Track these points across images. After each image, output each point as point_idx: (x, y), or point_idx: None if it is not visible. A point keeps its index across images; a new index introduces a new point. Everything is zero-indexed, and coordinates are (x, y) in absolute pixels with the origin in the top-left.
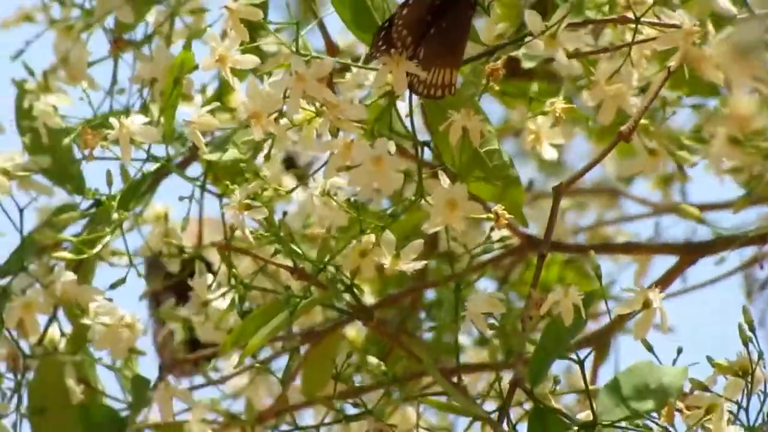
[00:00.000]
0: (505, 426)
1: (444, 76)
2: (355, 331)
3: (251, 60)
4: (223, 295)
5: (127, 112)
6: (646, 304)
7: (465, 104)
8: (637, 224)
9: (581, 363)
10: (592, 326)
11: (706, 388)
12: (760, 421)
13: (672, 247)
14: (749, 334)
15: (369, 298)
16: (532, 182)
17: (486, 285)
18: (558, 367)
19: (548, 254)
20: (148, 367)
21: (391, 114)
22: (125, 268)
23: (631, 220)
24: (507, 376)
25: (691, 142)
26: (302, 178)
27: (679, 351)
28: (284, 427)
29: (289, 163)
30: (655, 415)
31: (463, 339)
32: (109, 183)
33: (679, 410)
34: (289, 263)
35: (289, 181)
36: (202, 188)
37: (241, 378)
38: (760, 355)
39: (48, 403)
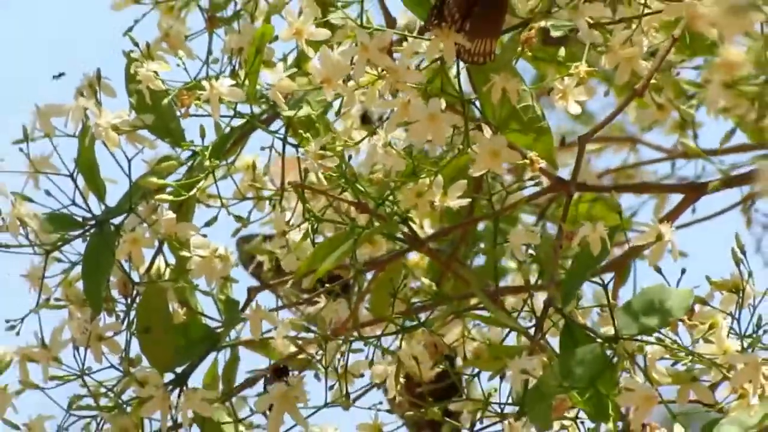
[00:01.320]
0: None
1: (486, 45)
2: (419, 257)
3: (323, 33)
4: (299, 227)
5: (217, 77)
6: (659, 237)
7: (504, 68)
8: (656, 166)
9: (605, 286)
10: (616, 252)
11: (705, 303)
12: (750, 330)
13: (678, 187)
14: (740, 256)
15: (429, 230)
16: (564, 137)
17: (529, 220)
18: (586, 288)
19: (576, 193)
20: (239, 291)
21: (442, 77)
22: (218, 209)
23: (649, 164)
24: (543, 297)
25: (690, 87)
26: (374, 132)
27: (683, 272)
28: (353, 340)
29: (365, 119)
30: (663, 330)
31: (508, 264)
32: (202, 136)
33: (685, 323)
34: (354, 201)
35: (358, 134)
36: (284, 141)
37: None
38: (750, 274)
39: (153, 323)
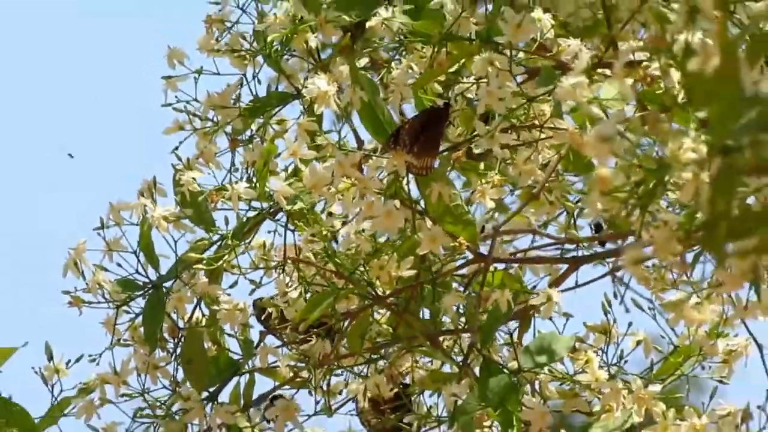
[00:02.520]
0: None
1: (428, 162)
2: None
3: (311, 153)
4: (296, 288)
5: (237, 182)
6: (549, 298)
7: (440, 178)
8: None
9: (511, 333)
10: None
11: (582, 341)
12: (615, 361)
13: (564, 260)
14: (608, 308)
15: (388, 291)
16: (484, 226)
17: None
18: (498, 334)
19: (492, 266)
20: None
21: (396, 185)
22: (238, 275)
23: (544, 246)
24: (468, 340)
25: (576, 193)
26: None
27: (568, 318)
28: (335, 368)
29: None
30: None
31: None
32: (226, 223)
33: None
34: (335, 270)
35: (338, 223)
36: (285, 227)
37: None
38: (615, 320)
39: (193, 357)
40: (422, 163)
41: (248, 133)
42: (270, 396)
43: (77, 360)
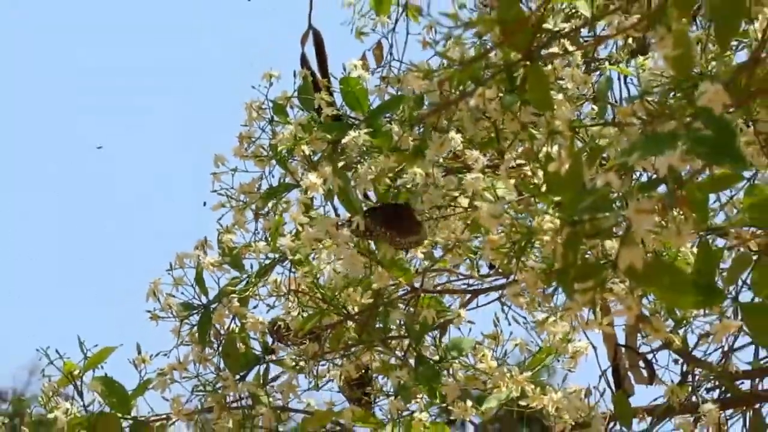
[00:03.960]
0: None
1: (412, 241)
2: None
3: (306, 219)
4: (296, 309)
5: (258, 241)
6: (459, 315)
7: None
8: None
9: (434, 338)
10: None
11: (480, 344)
12: (501, 356)
13: (469, 291)
14: (497, 322)
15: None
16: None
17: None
18: (428, 337)
19: (422, 294)
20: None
21: (361, 244)
22: (259, 301)
23: (458, 280)
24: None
25: (477, 248)
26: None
27: (471, 327)
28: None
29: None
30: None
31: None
32: (251, 267)
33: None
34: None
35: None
36: (290, 270)
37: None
38: (501, 330)
39: (230, 352)
40: (407, 242)
41: (266, 209)
42: (274, 330)
43: (156, 355)
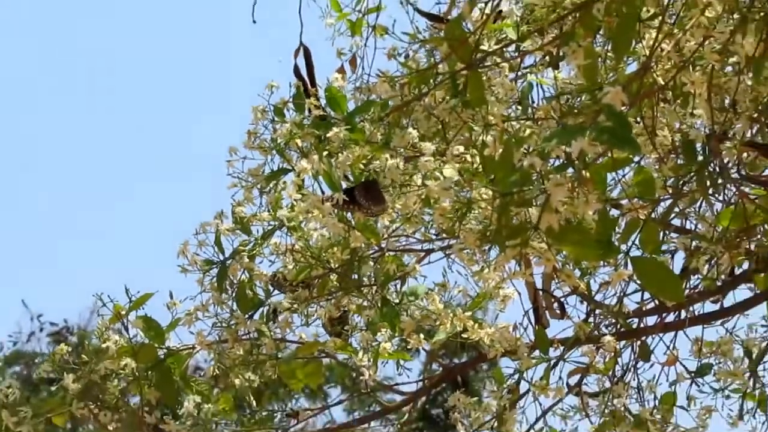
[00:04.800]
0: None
1: (380, 208)
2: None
3: (298, 196)
4: (292, 263)
5: (263, 212)
6: (414, 268)
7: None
8: None
9: (395, 285)
10: None
11: (432, 290)
12: (448, 300)
13: (423, 250)
14: (445, 273)
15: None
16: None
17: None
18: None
19: (387, 253)
20: None
21: (340, 214)
22: (263, 258)
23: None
24: None
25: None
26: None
27: (424, 279)
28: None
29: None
30: None
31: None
32: (257, 233)
33: None
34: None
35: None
36: (286, 234)
37: None
38: (449, 280)
39: (240, 296)
40: (377, 210)
41: (268, 188)
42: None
43: (184, 299)
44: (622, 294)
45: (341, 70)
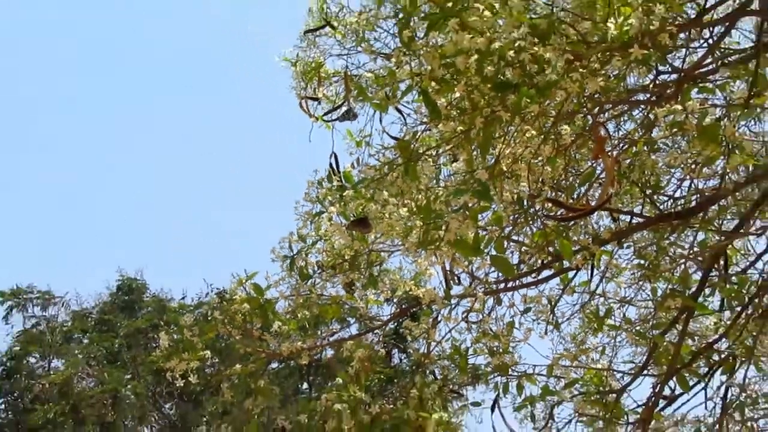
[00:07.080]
0: None
1: (368, 231)
2: None
3: (329, 225)
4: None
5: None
6: (385, 260)
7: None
8: None
9: (378, 269)
10: None
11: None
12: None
13: (392, 251)
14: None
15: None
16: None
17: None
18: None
19: (373, 252)
20: None
21: (351, 232)
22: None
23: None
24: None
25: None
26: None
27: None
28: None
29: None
30: None
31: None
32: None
33: None
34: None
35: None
36: (323, 243)
37: None
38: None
39: (300, 273)
40: (366, 231)
41: (315, 219)
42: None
43: (273, 275)
44: (487, 271)
45: (352, 165)
